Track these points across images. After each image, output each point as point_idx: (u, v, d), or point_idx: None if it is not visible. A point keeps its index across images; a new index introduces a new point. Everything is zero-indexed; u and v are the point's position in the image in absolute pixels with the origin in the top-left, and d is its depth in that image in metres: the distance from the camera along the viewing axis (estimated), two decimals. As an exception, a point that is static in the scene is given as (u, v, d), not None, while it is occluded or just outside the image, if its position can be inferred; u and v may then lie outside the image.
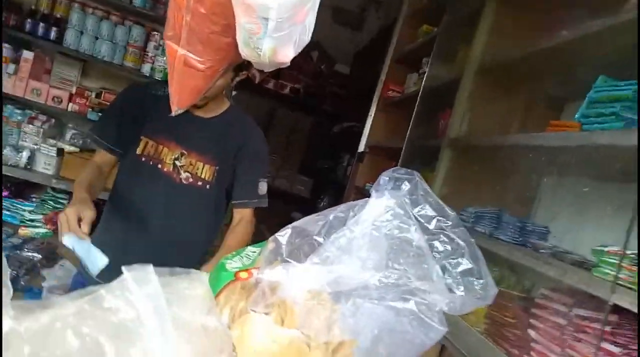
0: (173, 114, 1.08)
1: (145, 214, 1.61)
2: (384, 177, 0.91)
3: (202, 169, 1.62)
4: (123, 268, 0.61)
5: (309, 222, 0.89)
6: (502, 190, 1.76)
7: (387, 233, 0.76)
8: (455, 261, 0.86)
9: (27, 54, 3.05)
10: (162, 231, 1.62)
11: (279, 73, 5.06)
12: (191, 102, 1.08)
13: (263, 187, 1.71)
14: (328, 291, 0.79)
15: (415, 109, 2.35)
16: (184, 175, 1.61)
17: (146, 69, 3.23)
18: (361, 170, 3.27)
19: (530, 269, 1.37)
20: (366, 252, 0.75)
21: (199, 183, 1.62)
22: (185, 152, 1.60)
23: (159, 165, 1.60)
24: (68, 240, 1.20)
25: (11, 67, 3.05)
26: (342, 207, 0.90)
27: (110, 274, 1.64)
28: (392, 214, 0.77)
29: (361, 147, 3.30)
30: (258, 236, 4.84)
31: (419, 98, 2.35)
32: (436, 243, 0.87)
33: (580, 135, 1.21)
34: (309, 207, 4.60)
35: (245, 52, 0.88)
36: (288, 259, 0.84)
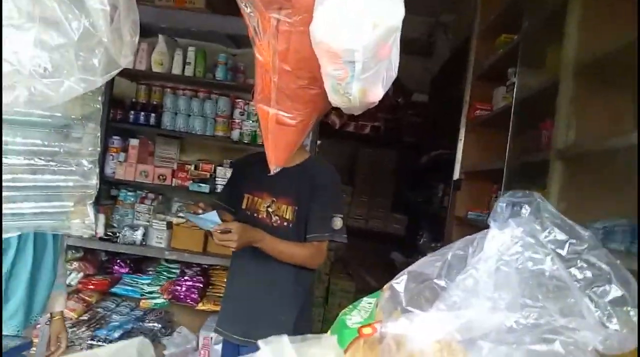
0: (272, 172, 1.10)
1: (249, 258, 1.83)
2: (500, 204, 0.83)
3: (286, 210, 1.83)
4: (259, 342, 0.62)
5: (425, 265, 0.82)
6: (627, 197, 1.55)
7: (518, 267, 0.67)
8: (601, 289, 0.73)
9: (134, 142, 3.39)
10: (262, 270, 1.83)
11: (357, 115, 5.10)
12: (287, 158, 1.09)
13: (337, 222, 1.81)
14: (458, 339, 0.71)
15: (510, 124, 2.20)
16: (274, 218, 1.85)
17: (235, 135, 3.42)
18: (459, 199, 3.10)
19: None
20: (497, 292, 0.67)
21: (285, 223, 1.83)
22: (275, 200, 1.85)
23: (256, 214, 1.88)
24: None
25: (122, 156, 3.40)
26: (459, 243, 0.83)
27: (232, 320, 1.91)
28: (521, 245, 0.68)
29: (456, 175, 3.15)
30: (360, 283, 4.74)
31: (512, 112, 2.19)
32: (574, 270, 0.75)
33: None
34: (408, 245, 4.45)
35: (335, 100, 0.87)
36: (409, 308, 0.77)
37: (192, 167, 3.47)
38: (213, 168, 3.45)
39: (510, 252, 0.68)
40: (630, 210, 1.50)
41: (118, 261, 3.39)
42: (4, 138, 0.93)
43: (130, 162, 3.38)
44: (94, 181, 1.05)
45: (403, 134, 5.09)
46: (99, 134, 1.06)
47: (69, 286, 3.12)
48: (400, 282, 0.82)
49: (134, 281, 3.31)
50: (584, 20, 1.60)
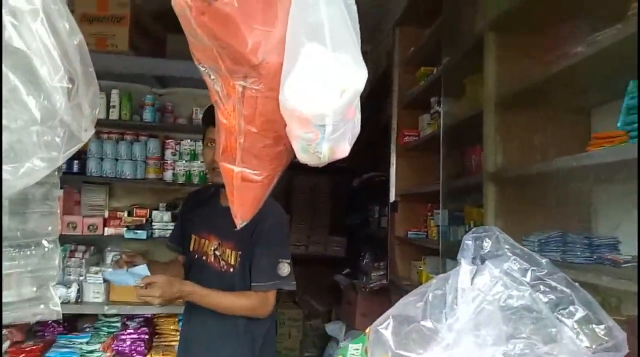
0: (238, 227, 1.11)
1: (198, 305, 1.71)
2: (467, 242, 0.91)
3: (230, 255, 1.72)
4: None
5: (407, 306, 0.88)
6: (557, 212, 1.73)
7: (501, 305, 0.74)
8: (567, 310, 0.83)
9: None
10: (212, 317, 1.70)
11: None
12: (253, 213, 1.10)
13: (284, 269, 1.68)
14: (453, 376, 0.77)
15: (441, 150, 2.36)
16: (222, 263, 1.74)
17: (168, 176, 3.33)
18: (398, 220, 3.24)
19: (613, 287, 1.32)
20: (483, 329, 0.73)
21: (230, 270, 1.72)
22: (220, 243, 1.75)
23: (204, 258, 1.78)
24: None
25: (45, 208, 3.16)
26: (434, 283, 0.89)
27: None
28: (502, 284, 0.76)
29: (392, 197, 3.30)
30: (307, 308, 4.76)
31: (441, 138, 2.36)
32: (539, 295, 0.85)
33: (630, 147, 1.21)
34: (350, 266, 4.54)
35: (304, 158, 0.91)
36: (400, 352, 0.82)
37: (126, 214, 3.33)
38: (148, 213, 3.32)
39: (492, 292, 0.75)
40: (556, 224, 1.68)
41: (50, 322, 3.13)
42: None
43: (55, 215, 3.17)
44: (56, 261, 0.99)
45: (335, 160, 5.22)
46: (58, 211, 1.01)
47: (-5, 357, 2.84)
48: (386, 328, 0.87)
49: (71, 341, 3.05)
50: (500, 55, 1.79)
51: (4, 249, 0.90)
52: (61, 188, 3.14)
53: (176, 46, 3.31)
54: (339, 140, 0.90)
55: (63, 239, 3.16)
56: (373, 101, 4.20)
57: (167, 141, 3.37)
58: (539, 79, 1.53)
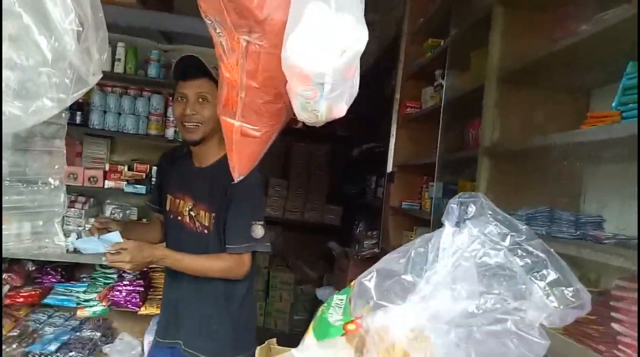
0: (235, 181, 1.15)
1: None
2: (452, 205, 0.95)
3: (204, 216, 1.70)
4: (293, 351, 0.66)
5: (390, 262, 0.93)
6: (547, 189, 1.77)
7: (477, 262, 0.79)
8: (540, 273, 0.88)
9: (59, 143, 3.21)
10: (191, 280, 1.71)
11: (290, 110, 5.16)
12: (251, 167, 1.14)
13: (258, 230, 1.65)
14: (428, 327, 0.82)
15: (440, 123, 2.39)
16: (197, 224, 1.72)
17: (169, 133, 3.35)
18: (394, 190, 3.30)
19: (593, 261, 1.37)
20: (458, 284, 0.78)
21: (205, 231, 1.70)
22: (195, 203, 1.72)
23: (180, 218, 1.76)
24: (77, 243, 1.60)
25: (46, 158, 3.20)
26: (418, 241, 0.94)
27: (166, 327, 1.81)
28: (479, 242, 0.80)
29: (389, 168, 3.34)
30: (299, 273, 4.90)
31: (442, 111, 2.38)
32: (516, 259, 0.90)
33: (621, 126, 1.24)
34: (344, 234, 4.63)
35: (302, 116, 0.94)
36: (382, 302, 0.87)
37: (126, 168, 3.37)
38: (148, 168, 3.36)
39: (469, 249, 0.80)
40: (545, 200, 1.72)
41: (48, 269, 3.22)
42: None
43: (57, 165, 3.21)
44: (62, 198, 1.03)
45: (336, 128, 5.23)
46: (64, 152, 1.05)
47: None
48: (370, 280, 0.92)
49: (68, 289, 3.15)
50: (507, 30, 1.79)
51: (12, 184, 0.95)
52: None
53: (184, 1, 3.27)
54: (336, 99, 0.92)
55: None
56: (379, 71, 4.19)
57: (170, 98, 3.38)
58: (543, 56, 1.54)
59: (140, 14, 3.08)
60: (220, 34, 0.99)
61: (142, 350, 2.99)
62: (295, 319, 4.68)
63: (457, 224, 0.95)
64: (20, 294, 3.05)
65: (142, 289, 3.10)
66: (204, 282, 1.70)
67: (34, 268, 3.23)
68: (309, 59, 0.85)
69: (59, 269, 3.24)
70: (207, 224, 1.70)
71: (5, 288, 3.05)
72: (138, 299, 3.06)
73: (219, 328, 1.72)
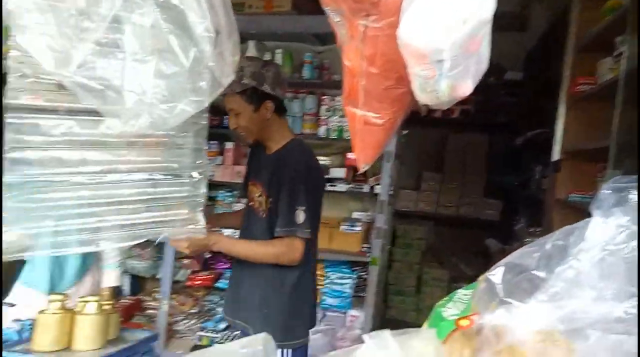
0: (361, 170, 1.15)
1: None
2: (604, 191, 0.80)
3: (264, 200, 1.78)
4: (364, 336, 0.65)
5: (523, 256, 0.83)
6: None
7: (625, 257, 0.66)
8: None
9: (229, 145, 3.62)
10: (246, 263, 1.78)
11: (445, 100, 4.96)
12: (376, 156, 1.13)
13: (300, 216, 1.68)
14: (561, 329, 0.71)
15: (616, 99, 2.03)
16: (261, 209, 1.80)
17: (322, 131, 3.49)
18: (560, 181, 2.92)
19: None
20: (602, 282, 0.66)
21: (264, 215, 1.78)
22: (263, 190, 1.80)
23: (251, 203, 1.86)
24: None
25: (218, 159, 3.64)
26: (558, 233, 0.82)
27: (230, 305, 1.95)
28: (627, 234, 0.66)
29: (555, 155, 2.97)
30: (453, 271, 4.65)
31: (622, 84, 2.02)
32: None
33: None
34: (504, 231, 4.27)
35: (423, 98, 0.90)
36: (507, 299, 0.78)
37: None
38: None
39: (615, 241, 0.66)
40: None
41: (220, 257, 3.65)
42: (131, 158, 1.08)
43: (226, 165, 3.60)
44: (203, 190, 1.18)
45: (495, 116, 4.86)
46: (206, 148, 1.19)
47: (178, 282, 3.46)
48: (496, 274, 0.83)
49: (236, 274, 3.55)
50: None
51: (164, 177, 1.10)
52: (231, 141, 3.62)
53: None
54: (459, 77, 0.85)
55: (232, 186, 3.65)
56: (548, 48, 3.77)
57: (322, 98, 3.53)
58: None
59: (294, 19, 3.29)
60: (340, 22, 1.00)
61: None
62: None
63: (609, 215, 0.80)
64: (198, 277, 3.53)
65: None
66: (257, 266, 1.77)
67: (209, 256, 3.70)
68: (423, 34, 0.80)
69: (229, 257, 3.65)
70: (264, 208, 1.79)
71: (188, 272, 3.56)
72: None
73: (270, 312, 1.78)
